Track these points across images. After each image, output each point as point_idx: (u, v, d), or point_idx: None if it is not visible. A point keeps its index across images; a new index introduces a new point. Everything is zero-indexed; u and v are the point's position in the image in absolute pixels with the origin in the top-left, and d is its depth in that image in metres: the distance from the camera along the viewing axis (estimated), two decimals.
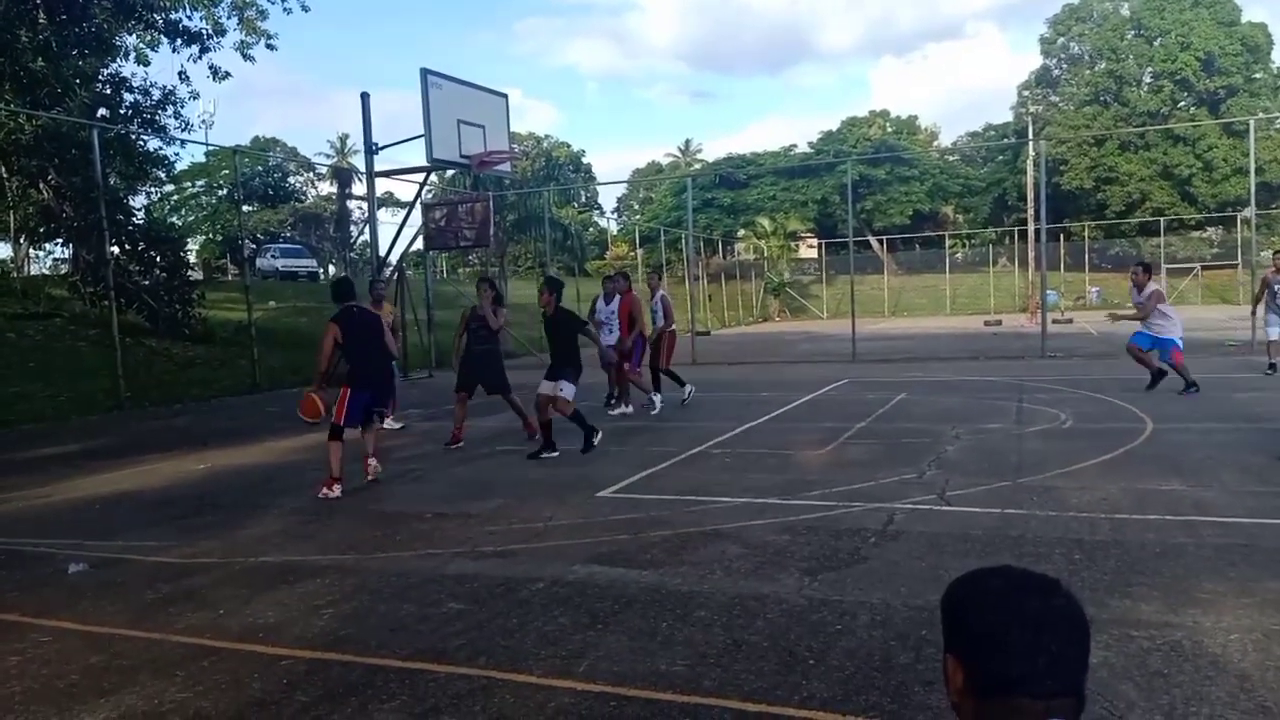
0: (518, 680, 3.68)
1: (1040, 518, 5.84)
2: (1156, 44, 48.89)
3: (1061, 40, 53.17)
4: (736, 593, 4.62)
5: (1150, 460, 7.48)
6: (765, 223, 49.55)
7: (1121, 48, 49.87)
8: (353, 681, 3.75)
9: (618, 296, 12.59)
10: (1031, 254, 41.03)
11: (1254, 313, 14.74)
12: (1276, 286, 13.45)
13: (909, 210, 54.53)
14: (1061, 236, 43.89)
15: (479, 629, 4.29)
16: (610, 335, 12.48)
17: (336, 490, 7.47)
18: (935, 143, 64.55)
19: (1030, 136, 46.74)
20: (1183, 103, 48.74)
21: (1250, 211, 23.36)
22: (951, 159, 59.74)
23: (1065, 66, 53.75)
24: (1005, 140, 53.76)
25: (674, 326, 12.78)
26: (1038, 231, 25.78)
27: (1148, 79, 49.58)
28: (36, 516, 7.34)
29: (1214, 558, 4.88)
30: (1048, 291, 22.59)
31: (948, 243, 49.97)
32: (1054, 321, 20.71)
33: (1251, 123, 23.66)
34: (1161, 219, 45.25)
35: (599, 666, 3.78)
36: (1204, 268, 44.66)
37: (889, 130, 60.41)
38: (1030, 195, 43.39)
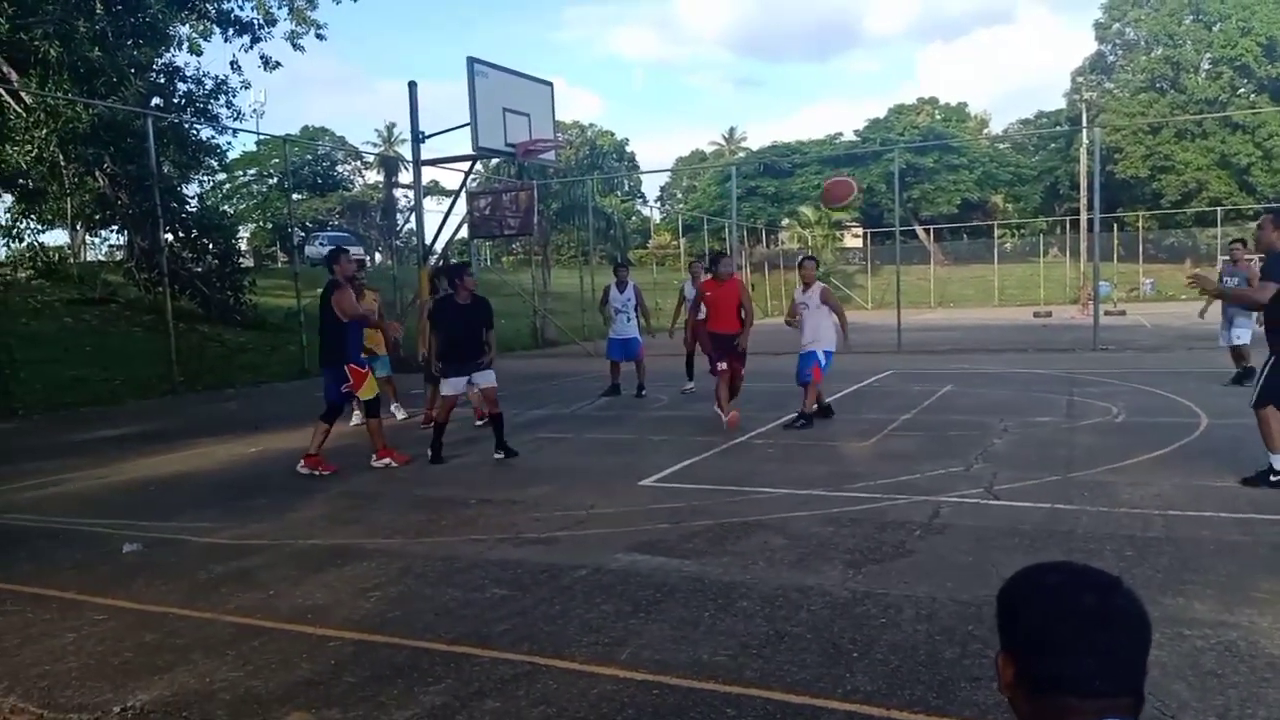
0: (561, 666, 3.70)
1: (1091, 513, 5.74)
2: (1216, 29, 47.58)
3: (1117, 25, 51.94)
4: (779, 584, 4.60)
5: (1205, 456, 7.32)
6: (810, 212, 49.14)
7: (1179, 33, 48.59)
8: (399, 664, 3.80)
9: (631, 284, 12.71)
10: (1084, 244, 40.24)
11: (1203, 314, 13.43)
12: (1231, 281, 11.43)
13: (957, 199, 53.75)
14: (1115, 226, 42.98)
15: (522, 615, 4.32)
16: (629, 324, 12.54)
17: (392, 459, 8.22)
18: (985, 130, 63.45)
19: (1084, 124, 45.76)
20: (1242, 89, 47.41)
21: None
22: (1001, 147, 58.69)
23: (1120, 52, 52.53)
24: (1058, 127, 52.75)
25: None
26: (1090, 221, 25.30)
27: (1206, 65, 48.27)
28: (92, 497, 7.53)
29: (1271, 556, 4.76)
30: (1100, 283, 22.14)
31: (996, 232, 49.15)
32: (1106, 314, 20.29)
33: None
34: (1219, 209, 44.05)
35: (641, 654, 3.79)
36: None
37: (937, 118, 59.54)
38: (1083, 184, 42.51)
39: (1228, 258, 11.91)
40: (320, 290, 8.32)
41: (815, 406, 9.72)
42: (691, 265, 14.53)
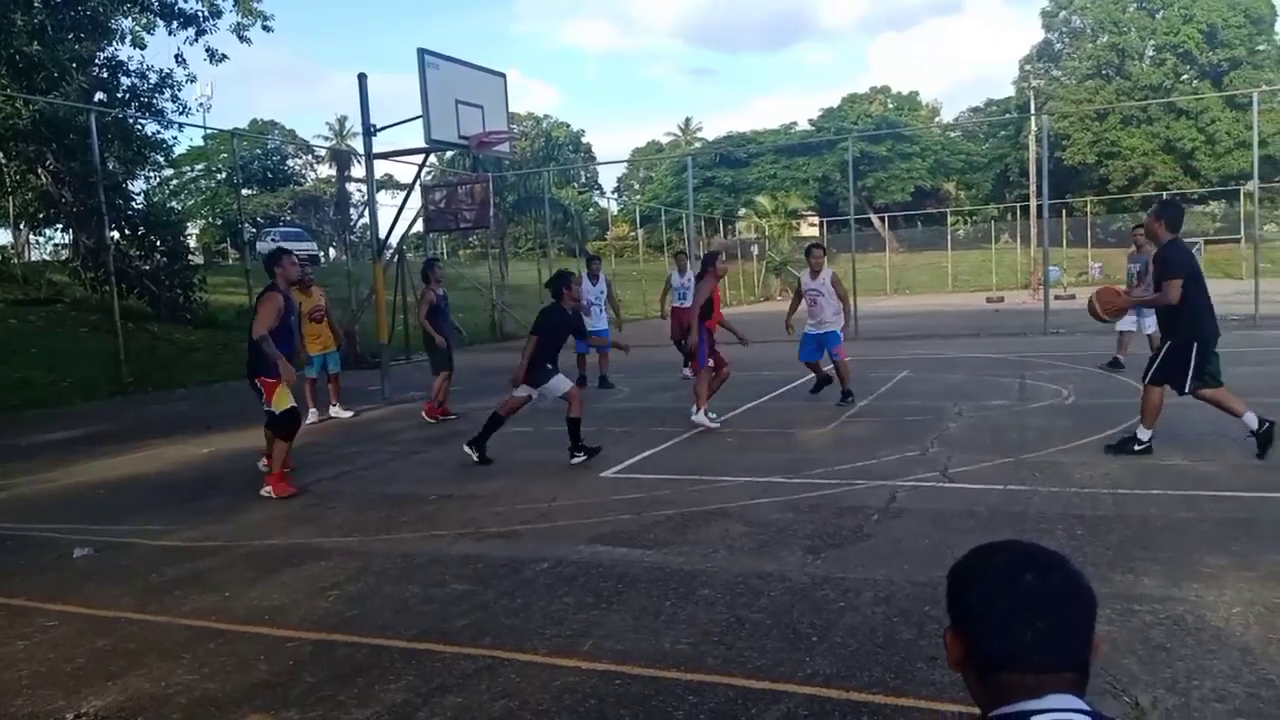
0: (522, 659, 3.70)
1: (1043, 494, 5.85)
2: (1159, 17, 48.57)
3: (1063, 14, 52.80)
4: (740, 571, 4.63)
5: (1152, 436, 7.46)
6: (766, 201, 49.33)
7: (1123, 20, 49.52)
8: (359, 662, 3.77)
9: (603, 276, 12.75)
10: (1034, 230, 40.88)
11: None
12: (1135, 266, 11.40)
13: (910, 187, 54.40)
14: (1064, 212, 43.76)
15: (484, 609, 4.31)
16: (600, 316, 12.54)
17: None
18: (936, 119, 64.24)
19: (1032, 111, 46.47)
20: (1185, 76, 48.47)
21: (1254, 185, 23.26)
22: (953, 135, 59.47)
23: (1067, 40, 53.42)
24: (1007, 115, 53.48)
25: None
26: (1040, 207, 25.73)
27: (1150, 52, 49.28)
28: (41, 501, 7.37)
29: (1216, 532, 4.89)
30: (1050, 268, 22.54)
31: (949, 219, 49.82)
32: (1056, 298, 20.66)
33: (1255, 95, 23.44)
34: (1164, 193, 44.96)
35: (603, 645, 3.79)
36: (1207, 242, 44.46)
37: (890, 107, 60.16)
38: (1032, 171, 43.18)
39: (1133, 247, 11.74)
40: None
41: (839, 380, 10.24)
42: (678, 256, 14.87)
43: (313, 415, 10.87)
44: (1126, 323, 11.17)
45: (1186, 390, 6.60)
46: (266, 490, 6.99)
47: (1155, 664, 3.34)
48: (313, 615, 4.37)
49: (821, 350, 10.34)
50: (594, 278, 12.83)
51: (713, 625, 3.95)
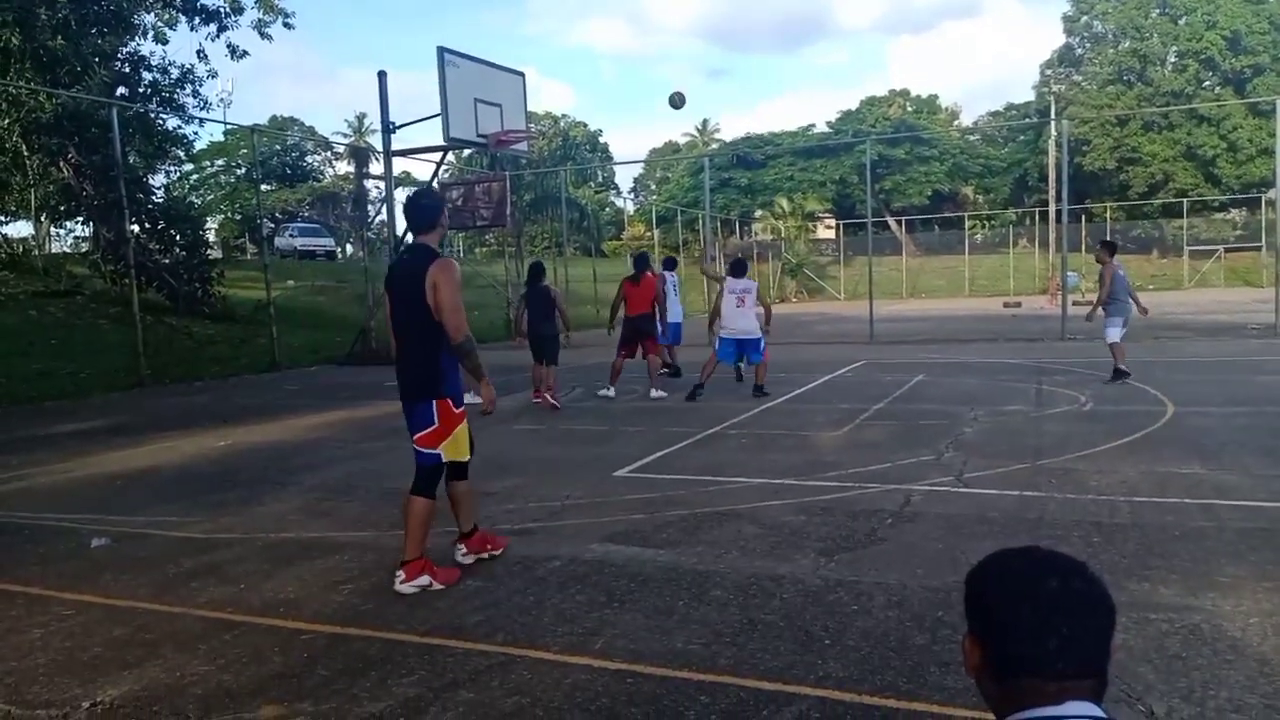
0: (534, 656, 3.70)
1: (1059, 500, 5.82)
2: (1182, 22, 48.16)
3: (1085, 18, 52.43)
4: (752, 572, 4.63)
5: (1170, 443, 7.43)
6: (783, 203, 49.26)
7: (1146, 26, 49.13)
8: (372, 656, 3.79)
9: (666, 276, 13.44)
10: (1052, 235, 40.68)
11: (1092, 316, 11.88)
12: (1121, 272, 11.50)
13: (928, 191, 54.11)
14: (1083, 218, 43.45)
15: (496, 606, 4.32)
16: (676, 311, 13.65)
17: None
18: (955, 122, 63.87)
19: (1052, 116, 46.18)
20: (1208, 82, 48.02)
21: (1275, 193, 23.04)
22: (972, 139, 59.12)
23: (1088, 45, 53.05)
24: (1026, 120, 53.19)
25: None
26: (1059, 212, 25.58)
27: (1172, 58, 48.84)
28: (59, 491, 7.43)
29: (1234, 541, 4.85)
30: (1068, 273, 22.39)
31: (967, 223, 49.57)
32: (1074, 303, 20.51)
33: (1277, 103, 23.19)
34: (1185, 200, 44.70)
35: (615, 644, 3.80)
36: (1227, 250, 44.18)
37: (908, 110, 59.88)
38: (1052, 176, 42.96)
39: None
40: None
41: None
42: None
43: None
44: (1114, 333, 11.22)
45: None
46: (417, 583, 4.56)
47: (1171, 673, 3.32)
48: (327, 609, 4.39)
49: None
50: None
51: (725, 626, 3.94)
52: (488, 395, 4.78)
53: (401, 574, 4.55)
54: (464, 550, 4.94)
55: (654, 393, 11.32)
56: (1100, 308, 11.46)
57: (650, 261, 12.62)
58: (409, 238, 4.95)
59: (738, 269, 11.80)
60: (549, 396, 10.98)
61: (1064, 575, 1.30)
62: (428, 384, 4.60)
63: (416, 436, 4.63)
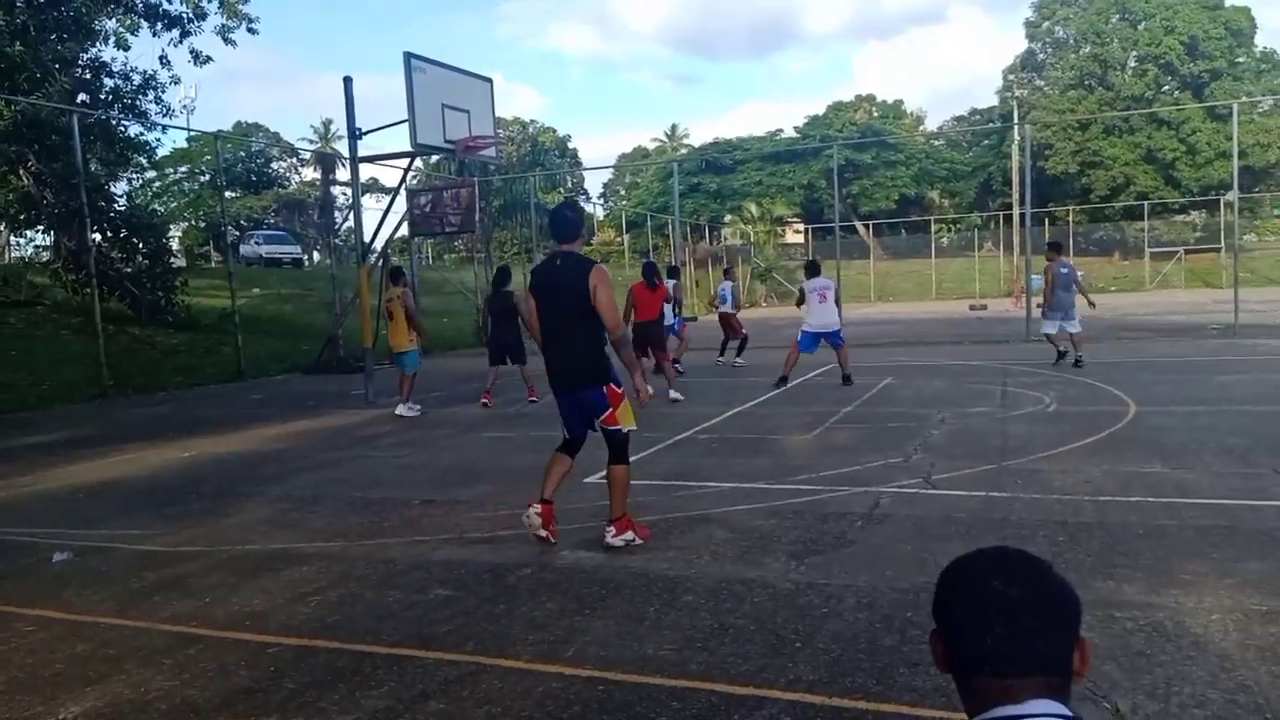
0: (505, 665, 3.68)
1: (1024, 500, 5.88)
2: (1141, 28, 49.03)
3: (1046, 24, 53.26)
4: (723, 577, 4.63)
5: (1133, 443, 7.53)
6: (752, 208, 49.50)
7: (1106, 31, 49.98)
8: (340, 668, 3.75)
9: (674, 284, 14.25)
10: (1016, 238, 41.13)
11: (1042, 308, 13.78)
12: (1064, 270, 13.14)
13: (895, 195, 54.64)
14: (1046, 221, 44.09)
15: (466, 615, 4.30)
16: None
17: None
18: (921, 127, 64.57)
19: (1015, 121, 46.81)
20: (1166, 87, 48.91)
21: (1233, 195, 23.47)
22: (937, 143, 59.79)
23: (1050, 50, 53.86)
24: (990, 125, 53.87)
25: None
26: (1022, 216, 25.88)
27: (1132, 63, 49.73)
28: (19, 505, 7.30)
29: (1196, 539, 4.92)
30: (1032, 276, 22.64)
31: (933, 227, 50.09)
32: (1038, 305, 20.75)
33: (1235, 106, 23.67)
34: (1145, 203, 45.47)
35: (586, 651, 3.79)
36: (1187, 251, 44.94)
37: (875, 115, 60.43)
38: (1015, 179, 43.47)
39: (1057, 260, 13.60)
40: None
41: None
42: (728, 271, 17.09)
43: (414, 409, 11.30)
44: (1048, 326, 13.14)
45: None
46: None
47: (1135, 670, 3.36)
48: (294, 621, 4.34)
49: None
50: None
51: (696, 631, 3.95)
52: (643, 387, 5.53)
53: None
54: (614, 533, 5.27)
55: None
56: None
57: (658, 270, 12.90)
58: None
59: (812, 270, 12.51)
60: (529, 395, 11.71)
61: (1008, 576, 1.32)
62: (598, 372, 5.23)
63: (602, 418, 5.25)
